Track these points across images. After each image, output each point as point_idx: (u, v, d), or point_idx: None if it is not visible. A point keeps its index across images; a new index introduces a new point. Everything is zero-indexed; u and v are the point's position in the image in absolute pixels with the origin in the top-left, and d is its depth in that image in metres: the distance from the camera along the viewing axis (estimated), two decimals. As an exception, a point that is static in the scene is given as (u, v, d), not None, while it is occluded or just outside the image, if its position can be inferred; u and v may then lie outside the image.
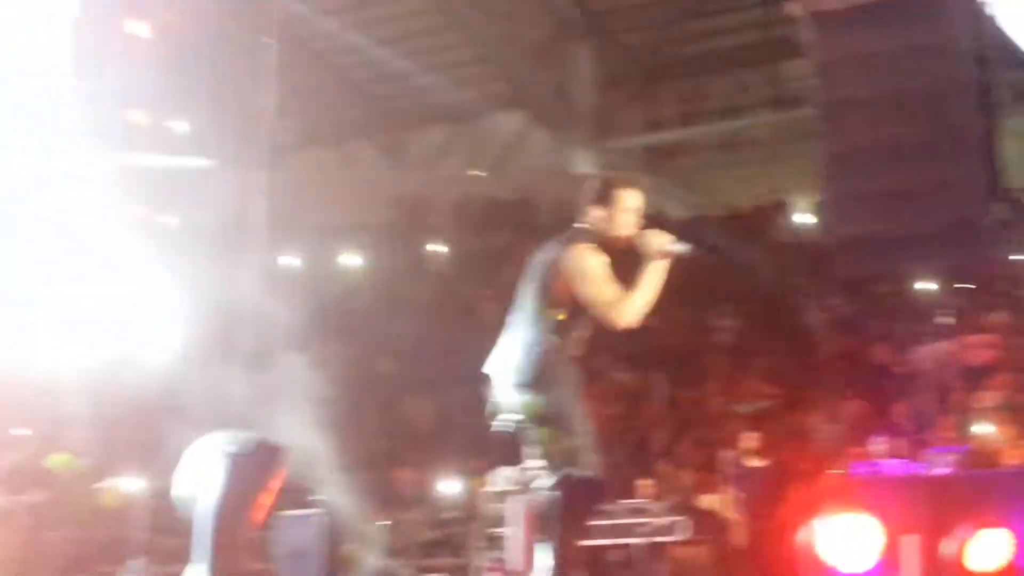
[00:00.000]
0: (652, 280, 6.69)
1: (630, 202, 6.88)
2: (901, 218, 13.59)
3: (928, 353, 15.32)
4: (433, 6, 28.65)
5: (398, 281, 23.91)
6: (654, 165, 30.76)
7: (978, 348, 16.91)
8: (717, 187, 28.49)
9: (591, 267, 6.67)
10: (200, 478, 8.10)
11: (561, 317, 6.75)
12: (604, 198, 6.90)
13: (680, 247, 6.75)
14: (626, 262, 6.79)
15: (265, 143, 13.83)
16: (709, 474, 15.24)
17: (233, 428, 8.62)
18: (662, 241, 6.75)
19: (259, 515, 8.33)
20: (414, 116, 32.47)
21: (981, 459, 14.17)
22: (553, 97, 30.80)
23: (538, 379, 6.70)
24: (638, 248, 6.77)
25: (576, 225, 6.93)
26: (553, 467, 6.69)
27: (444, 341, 21.38)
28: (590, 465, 6.67)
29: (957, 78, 13.18)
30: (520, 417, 6.74)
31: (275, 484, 8.55)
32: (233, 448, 8.12)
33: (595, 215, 6.87)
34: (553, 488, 6.67)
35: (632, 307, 6.64)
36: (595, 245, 6.74)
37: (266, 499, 8.42)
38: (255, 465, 8.21)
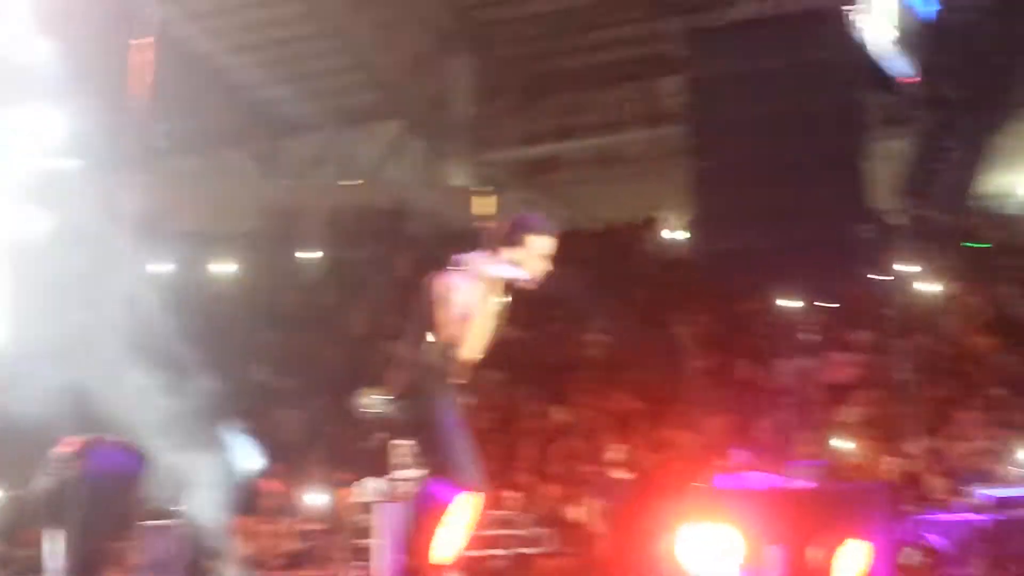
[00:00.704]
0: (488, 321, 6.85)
1: (541, 247, 6.95)
2: (768, 235, 13.77)
3: (791, 369, 15.55)
4: (308, 13, 28.43)
5: (268, 290, 23.68)
6: (530, 179, 30.90)
7: (841, 365, 17.23)
8: (592, 202, 28.61)
9: (452, 298, 6.78)
10: (61, 484, 7.94)
11: (433, 338, 6.81)
12: (515, 241, 6.94)
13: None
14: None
15: (136, 145, 13.55)
16: (575, 486, 15.31)
17: (93, 432, 8.46)
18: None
19: (121, 519, 8.19)
20: (288, 124, 32.21)
21: (841, 473, 14.44)
22: (430, 108, 30.77)
23: (407, 392, 6.80)
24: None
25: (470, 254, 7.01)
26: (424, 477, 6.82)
27: (311, 351, 21.26)
28: (463, 478, 6.77)
29: (826, 99, 13.40)
30: (388, 426, 6.83)
31: (135, 487, 8.42)
32: (93, 452, 7.98)
33: (507, 255, 6.95)
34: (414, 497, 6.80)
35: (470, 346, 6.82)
36: (476, 279, 6.85)
37: (128, 503, 8.30)
38: (114, 470, 8.09)
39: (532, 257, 6.89)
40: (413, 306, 6.90)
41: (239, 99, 31.55)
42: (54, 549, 8.27)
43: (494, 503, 14.41)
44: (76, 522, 7.81)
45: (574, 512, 14.44)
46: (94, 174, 23.09)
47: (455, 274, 6.85)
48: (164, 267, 23.22)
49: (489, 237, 6.97)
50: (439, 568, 7.21)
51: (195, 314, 20.18)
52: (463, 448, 6.87)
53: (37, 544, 11.87)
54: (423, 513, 6.83)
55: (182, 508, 12.63)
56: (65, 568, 7.83)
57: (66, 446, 8.24)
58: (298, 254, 25.32)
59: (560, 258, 7.02)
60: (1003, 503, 12.14)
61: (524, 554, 13.44)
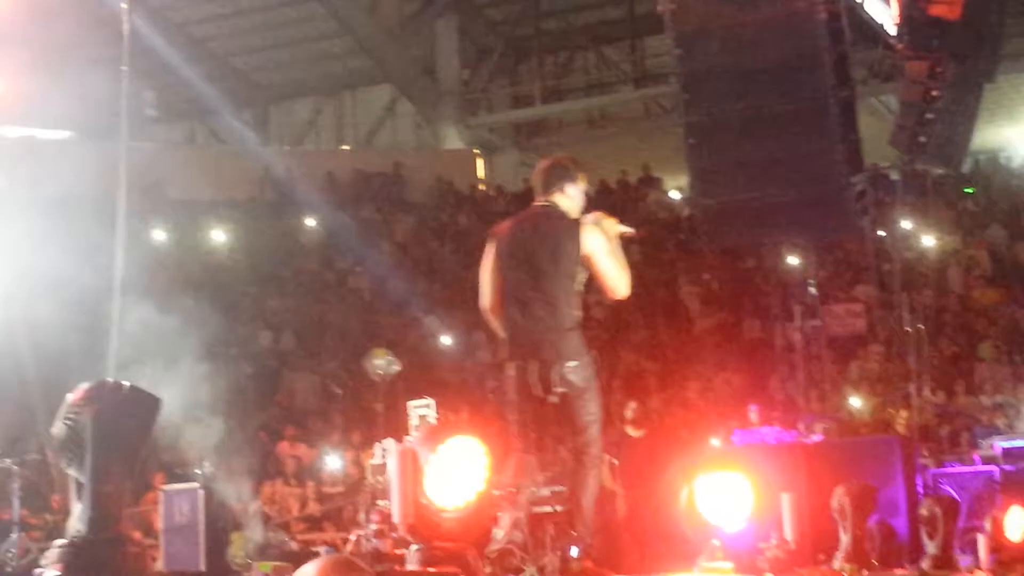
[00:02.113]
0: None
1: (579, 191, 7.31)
2: (763, 188, 13.75)
3: (798, 326, 15.64)
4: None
5: (268, 255, 23.64)
6: (521, 141, 30.90)
7: (846, 318, 17.34)
8: (585, 163, 28.58)
9: (608, 242, 7.06)
10: (75, 428, 7.97)
11: (579, 292, 7.08)
12: (575, 179, 7.29)
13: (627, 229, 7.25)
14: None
15: (125, 114, 13.42)
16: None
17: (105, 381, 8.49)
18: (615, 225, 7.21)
19: (136, 463, 8.22)
20: (279, 90, 32.12)
21: (848, 428, 14.58)
22: (419, 72, 30.69)
23: (579, 351, 7.04)
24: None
25: (546, 202, 7.21)
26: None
27: (317, 315, 21.29)
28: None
29: (813, 50, 13.35)
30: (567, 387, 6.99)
31: (149, 431, 8.46)
32: (104, 396, 8.01)
33: (571, 194, 7.22)
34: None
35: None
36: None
37: (142, 445, 8.34)
38: (127, 413, 8.13)
39: (583, 194, 7.30)
40: (542, 261, 6.93)
41: (226, 66, 31.42)
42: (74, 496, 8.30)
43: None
44: (91, 466, 7.83)
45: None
46: (86, 144, 23.09)
47: (588, 226, 7.01)
48: (163, 235, 23.22)
49: (544, 183, 7.14)
50: (443, 513, 7.47)
51: (198, 281, 20.28)
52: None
53: (63, 510, 11.94)
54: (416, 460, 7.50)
55: (202, 471, 12.72)
56: (84, 515, 7.86)
57: (77, 392, 8.29)
58: (295, 219, 25.25)
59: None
60: (1016, 454, 12.27)
61: (539, 513, 13.45)
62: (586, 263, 7.01)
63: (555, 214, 7.12)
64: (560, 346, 6.95)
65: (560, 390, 6.95)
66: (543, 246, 7.03)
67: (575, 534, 7.13)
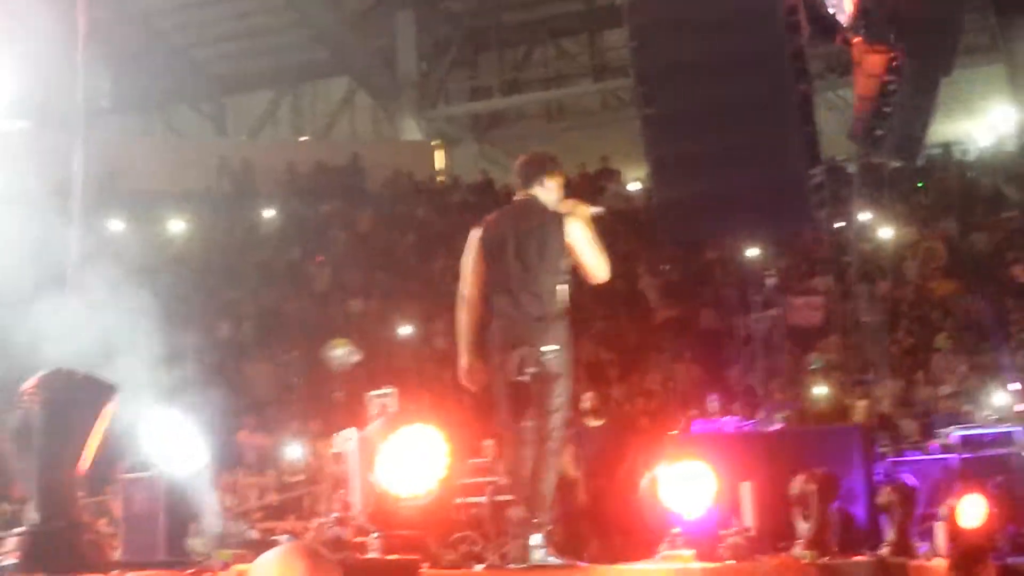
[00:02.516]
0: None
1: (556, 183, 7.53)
2: (721, 181, 13.79)
3: (757, 317, 15.72)
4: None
5: (226, 247, 23.53)
6: (480, 133, 30.91)
7: (804, 310, 17.44)
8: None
9: (589, 232, 7.26)
10: (24, 417, 7.90)
11: (564, 282, 7.25)
12: (552, 173, 7.51)
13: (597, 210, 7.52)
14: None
15: (81, 104, 13.29)
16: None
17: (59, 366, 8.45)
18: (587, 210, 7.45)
19: (87, 452, 8.16)
20: (237, 81, 31.93)
21: (808, 417, 14.66)
22: (378, 64, 30.62)
23: (563, 340, 7.20)
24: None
25: (527, 196, 7.41)
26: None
27: (275, 306, 21.20)
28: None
29: (770, 44, 13.39)
30: (538, 371, 7.12)
31: (102, 422, 8.40)
32: (53, 383, 7.93)
33: (549, 186, 7.42)
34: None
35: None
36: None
37: (95, 437, 8.28)
38: (80, 400, 8.07)
39: (561, 187, 7.49)
40: (527, 252, 7.02)
41: (184, 57, 31.21)
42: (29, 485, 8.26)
43: (473, 451, 14.49)
44: (40, 453, 7.76)
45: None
46: (41, 134, 22.86)
47: (567, 218, 7.20)
48: (120, 225, 23.06)
49: (523, 178, 7.27)
50: (401, 501, 7.68)
51: (155, 272, 20.12)
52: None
53: (23, 499, 11.83)
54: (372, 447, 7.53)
55: (162, 461, 12.62)
56: (36, 503, 7.79)
57: (31, 381, 8.24)
58: (254, 211, 25.14)
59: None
60: (974, 442, 12.38)
61: (500, 501, 13.47)
62: (569, 252, 7.20)
63: (537, 208, 7.33)
64: (546, 335, 7.12)
65: (533, 370, 7.03)
66: (529, 240, 7.21)
67: (536, 521, 7.16)
